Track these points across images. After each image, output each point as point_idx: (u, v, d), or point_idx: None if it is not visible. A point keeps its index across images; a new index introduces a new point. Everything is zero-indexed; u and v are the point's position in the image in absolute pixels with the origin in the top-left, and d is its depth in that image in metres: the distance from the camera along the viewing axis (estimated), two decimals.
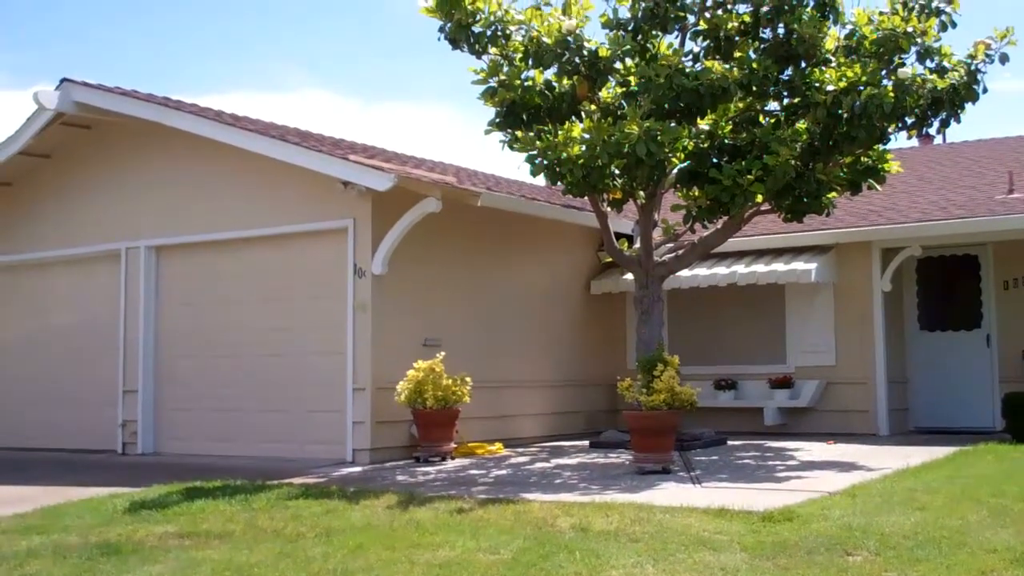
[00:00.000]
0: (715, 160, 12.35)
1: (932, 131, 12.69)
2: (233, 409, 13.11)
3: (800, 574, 5.93)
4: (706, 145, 12.32)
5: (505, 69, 12.03)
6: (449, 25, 12.15)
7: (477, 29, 12.15)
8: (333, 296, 12.28)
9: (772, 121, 12.33)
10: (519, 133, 11.80)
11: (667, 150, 11.18)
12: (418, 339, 12.45)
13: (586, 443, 13.55)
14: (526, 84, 12.00)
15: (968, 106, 11.85)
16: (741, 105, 12.50)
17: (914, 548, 6.41)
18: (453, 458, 11.89)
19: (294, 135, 13.42)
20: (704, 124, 12.37)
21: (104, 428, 13.98)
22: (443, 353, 11.95)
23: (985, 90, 11.79)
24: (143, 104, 13.29)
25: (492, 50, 12.25)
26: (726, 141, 12.39)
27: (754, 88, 11.97)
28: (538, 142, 11.55)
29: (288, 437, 12.56)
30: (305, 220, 12.67)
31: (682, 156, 12.02)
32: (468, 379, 11.91)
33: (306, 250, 12.80)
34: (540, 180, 12.37)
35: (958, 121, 11.98)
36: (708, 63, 11.78)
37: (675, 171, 12.59)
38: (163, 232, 13.84)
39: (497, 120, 12.14)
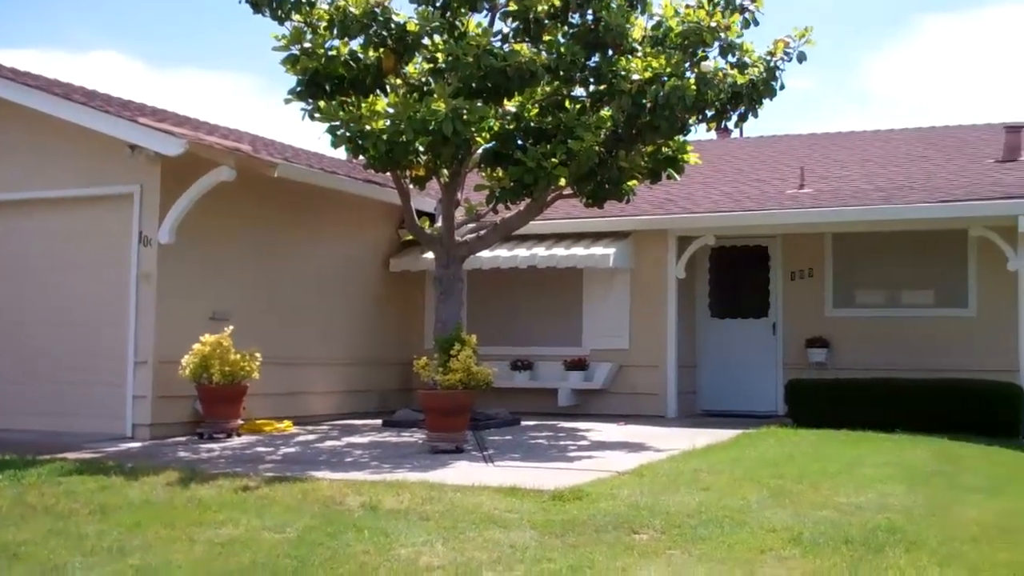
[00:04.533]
0: (520, 142, 12.40)
1: (731, 125, 13.06)
2: (6, 380, 12.35)
3: (588, 552, 5.95)
4: (512, 127, 12.34)
5: (309, 37, 11.83)
6: None
7: None
8: (117, 264, 11.76)
9: (578, 107, 12.41)
10: (321, 103, 11.61)
11: (473, 129, 11.17)
12: (206, 312, 12.05)
13: (379, 422, 13.38)
14: (330, 53, 11.86)
15: (765, 102, 12.21)
16: (548, 89, 12.55)
17: (697, 527, 6.52)
18: (239, 435, 11.54)
19: (80, 94, 12.75)
20: (511, 106, 12.41)
21: None
22: (232, 327, 11.60)
23: (783, 87, 12.20)
24: None
25: (296, 16, 11.99)
26: (532, 124, 12.45)
27: (561, 73, 12.03)
28: (340, 113, 11.41)
29: (65, 410, 11.91)
30: (89, 184, 12.07)
31: (487, 136, 12.03)
32: (257, 354, 11.61)
33: (90, 215, 12.17)
34: (341, 153, 12.13)
35: (756, 116, 12.34)
36: (516, 45, 11.78)
37: (480, 151, 12.57)
38: None
39: (298, 89, 11.94)
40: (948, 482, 8.68)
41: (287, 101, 11.98)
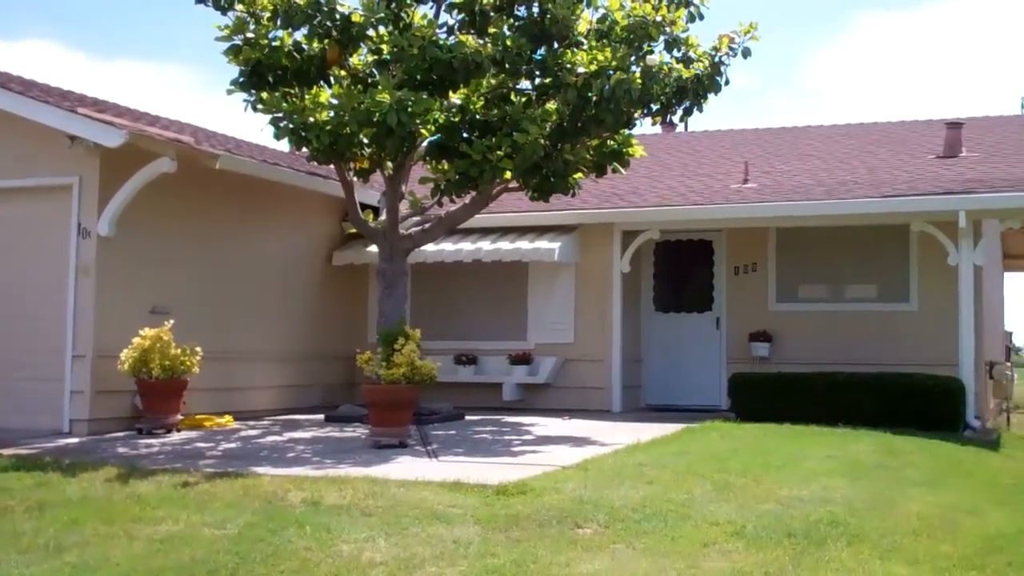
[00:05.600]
0: (465, 135, 12.33)
1: (676, 119, 13.08)
2: None
3: (532, 546, 5.92)
4: (457, 119, 12.28)
5: (252, 27, 11.73)
6: None
7: None
8: (55, 257, 11.54)
9: (523, 99, 12.39)
10: (264, 94, 11.50)
11: (418, 121, 11.09)
12: (146, 305, 11.89)
13: (322, 417, 13.28)
14: (273, 44, 11.79)
15: (710, 96, 12.26)
16: (493, 81, 12.50)
17: (641, 521, 6.52)
18: (179, 430, 11.41)
19: (17, 83, 12.49)
20: (456, 98, 12.35)
21: None
22: (172, 321, 11.44)
23: (727, 82, 12.26)
24: None
25: (239, 6, 11.89)
26: (477, 116, 12.38)
27: (507, 65, 11.99)
28: (284, 104, 11.33)
29: (0, 405, 11.65)
30: (27, 175, 11.84)
31: (433, 129, 11.95)
32: (198, 349, 11.46)
33: (28, 207, 11.93)
34: (284, 145, 12.01)
35: (700, 110, 12.41)
36: (462, 37, 11.70)
37: (425, 144, 12.50)
38: None
39: (241, 80, 11.85)
40: (890, 476, 8.76)
41: (229, 92, 11.85)
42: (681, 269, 16.03)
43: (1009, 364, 18.39)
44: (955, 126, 16.07)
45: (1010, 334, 22.02)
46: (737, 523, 6.51)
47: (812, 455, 9.47)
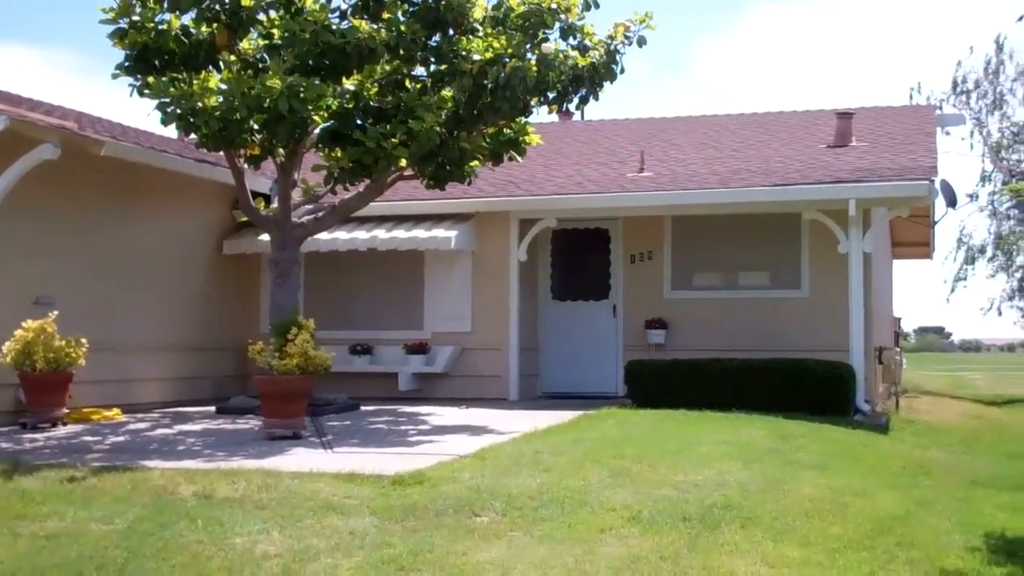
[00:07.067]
0: (359, 122, 12.18)
1: (572, 107, 13.12)
2: None
3: (428, 536, 5.89)
4: (351, 106, 12.13)
5: (138, 10, 11.48)
6: None
7: None
8: None
9: (419, 87, 12.30)
10: (151, 79, 11.25)
11: (310, 108, 10.99)
12: (29, 296, 11.58)
13: (213, 409, 13.01)
14: (160, 28, 11.54)
15: (606, 85, 12.28)
16: (388, 68, 12.39)
17: (539, 508, 6.52)
18: (65, 424, 11.10)
19: None
20: (350, 84, 12.23)
21: None
22: (56, 312, 11.12)
23: (623, 70, 12.34)
24: None
25: None
26: (371, 103, 12.26)
27: (402, 51, 11.90)
28: (171, 89, 11.13)
29: None
30: None
31: (325, 115, 11.82)
32: (83, 340, 11.17)
33: None
34: (172, 131, 11.75)
35: (596, 99, 12.43)
36: (355, 22, 11.58)
37: (317, 130, 12.33)
38: None
39: (127, 64, 11.60)
40: (782, 459, 8.88)
41: (115, 76, 11.58)
42: (578, 257, 16.08)
43: (898, 349, 18.87)
44: (845, 116, 16.37)
45: (898, 320, 22.58)
46: (633, 508, 6.54)
47: (706, 440, 9.56)
